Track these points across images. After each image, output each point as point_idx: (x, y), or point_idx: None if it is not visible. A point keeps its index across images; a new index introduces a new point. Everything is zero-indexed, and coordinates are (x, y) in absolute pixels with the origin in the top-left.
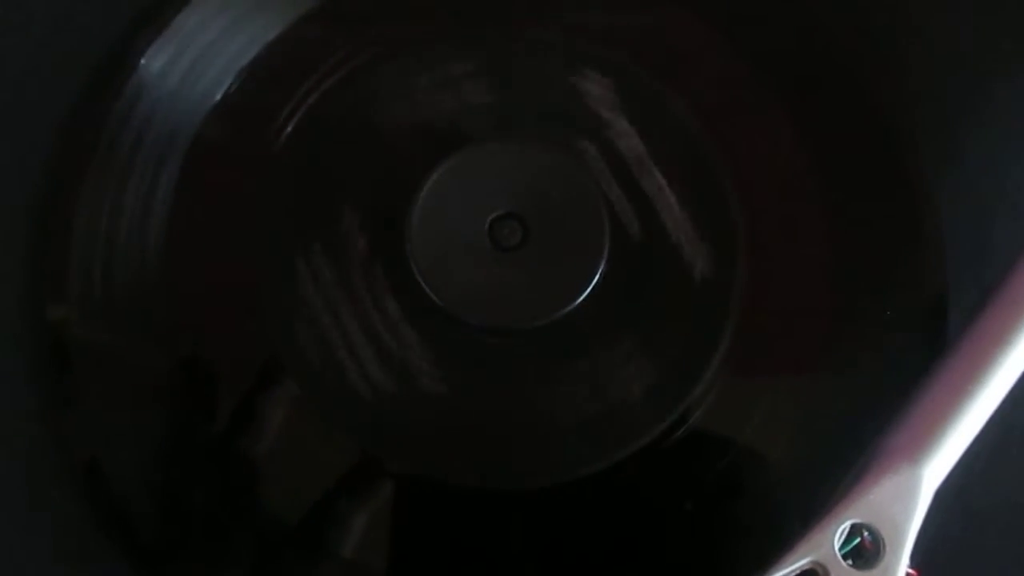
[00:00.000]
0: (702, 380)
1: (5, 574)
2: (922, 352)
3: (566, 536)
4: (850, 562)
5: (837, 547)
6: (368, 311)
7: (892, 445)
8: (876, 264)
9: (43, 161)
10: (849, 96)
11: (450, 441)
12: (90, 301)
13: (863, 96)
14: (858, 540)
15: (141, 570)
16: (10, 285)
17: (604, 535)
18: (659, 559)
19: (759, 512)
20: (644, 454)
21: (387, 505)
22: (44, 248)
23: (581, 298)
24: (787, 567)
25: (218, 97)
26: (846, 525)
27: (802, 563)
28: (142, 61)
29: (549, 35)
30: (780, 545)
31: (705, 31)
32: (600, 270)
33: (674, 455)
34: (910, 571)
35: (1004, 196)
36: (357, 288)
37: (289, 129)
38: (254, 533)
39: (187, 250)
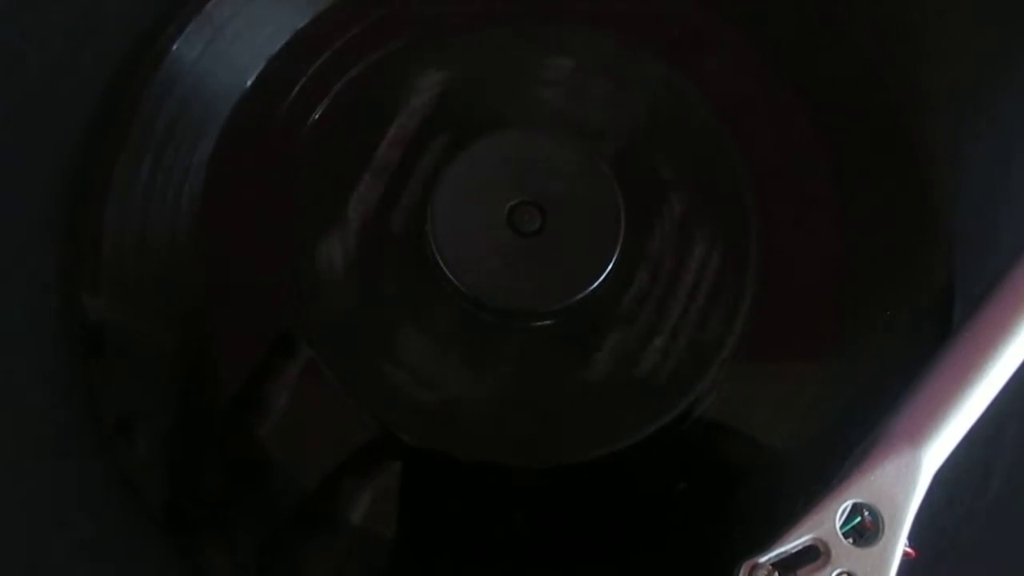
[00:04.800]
0: (714, 365)
1: (31, 532)
2: (928, 341)
3: (574, 516)
4: (851, 540)
5: (838, 525)
6: (389, 293)
7: (894, 428)
8: (885, 254)
9: (76, 147)
10: (863, 89)
11: (464, 418)
12: (122, 282)
13: (877, 89)
14: (859, 519)
15: (157, 537)
16: (46, 267)
17: (614, 516)
18: (666, 540)
19: (765, 493)
20: (655, 437)
21: (399, 478)
22: (78, 233)
23: (597, 283)
24: (790, 543)
25: (248, 83)
26: (848, 504)
27: (804, 539)
28: (174, 47)
29: (571, 25)
30: (783, 525)
31: (721, 22)
32: (615, 256)
33: (684, 438)
34: (908, 550)
35: (1013, 190)
36: (379, 271)
37: (316, 116)
38: (267, 503)
39: (216, 234)
